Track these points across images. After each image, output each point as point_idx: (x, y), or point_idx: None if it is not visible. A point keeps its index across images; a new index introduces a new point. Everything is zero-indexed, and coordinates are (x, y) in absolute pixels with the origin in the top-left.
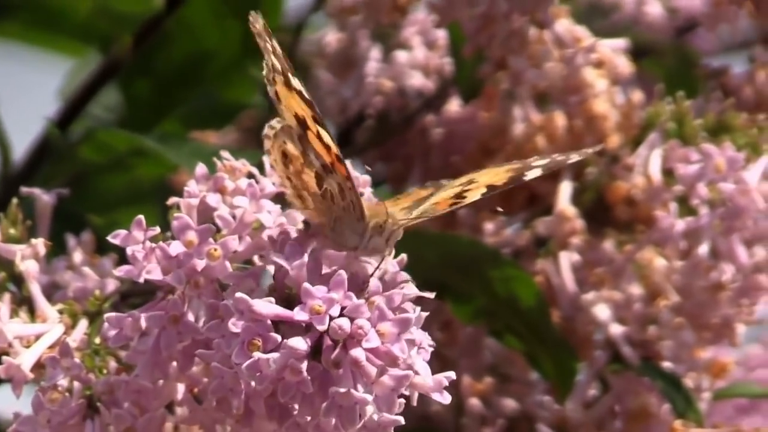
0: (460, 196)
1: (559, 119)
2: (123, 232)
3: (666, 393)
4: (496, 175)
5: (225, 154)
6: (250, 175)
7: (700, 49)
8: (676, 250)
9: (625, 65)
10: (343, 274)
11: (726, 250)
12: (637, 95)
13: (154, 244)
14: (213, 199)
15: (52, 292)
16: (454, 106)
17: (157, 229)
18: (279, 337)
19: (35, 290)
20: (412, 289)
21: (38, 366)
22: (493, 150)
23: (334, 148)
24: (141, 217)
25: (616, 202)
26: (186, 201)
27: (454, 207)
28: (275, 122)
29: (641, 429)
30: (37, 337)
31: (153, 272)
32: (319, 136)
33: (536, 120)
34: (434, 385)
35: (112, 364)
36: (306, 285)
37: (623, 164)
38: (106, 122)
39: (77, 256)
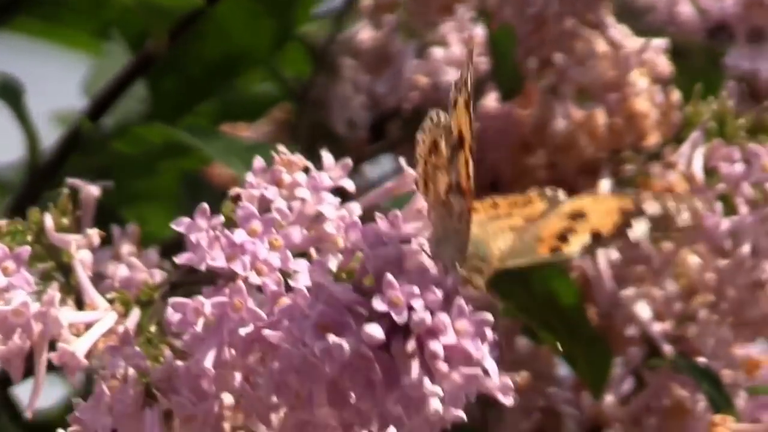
0: (563, 237)
1: (600, 117)
2: (186, 219)
3: (705, 389)
4: (603, 215)
5: (281, 147)
6: (306, 169)
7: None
8: (716, 248)
9: (665, 65)
10: (426, 268)
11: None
12: (676, 94)
13: (217, 232)
14: (271, 191)
15: (95, 282)
16: (490, 101)
17: (221, 218)
18: (353, 323)
19: (85, 280)
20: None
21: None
22: (532, 146)
23: (471, 183)
24: (205, 205)
25: None
26: (248, 192)
27: (554, 256)
28: (443, 116)
29: (677, 425)
30: (87, 326)
31: (217, 259)
32: (466, 162)
33: (577, 117)
34: (500, 386)
35: (167, 352)
36: (388, 275)
37: (665, 162)
38: (135, 113)
39: (125, 247)
